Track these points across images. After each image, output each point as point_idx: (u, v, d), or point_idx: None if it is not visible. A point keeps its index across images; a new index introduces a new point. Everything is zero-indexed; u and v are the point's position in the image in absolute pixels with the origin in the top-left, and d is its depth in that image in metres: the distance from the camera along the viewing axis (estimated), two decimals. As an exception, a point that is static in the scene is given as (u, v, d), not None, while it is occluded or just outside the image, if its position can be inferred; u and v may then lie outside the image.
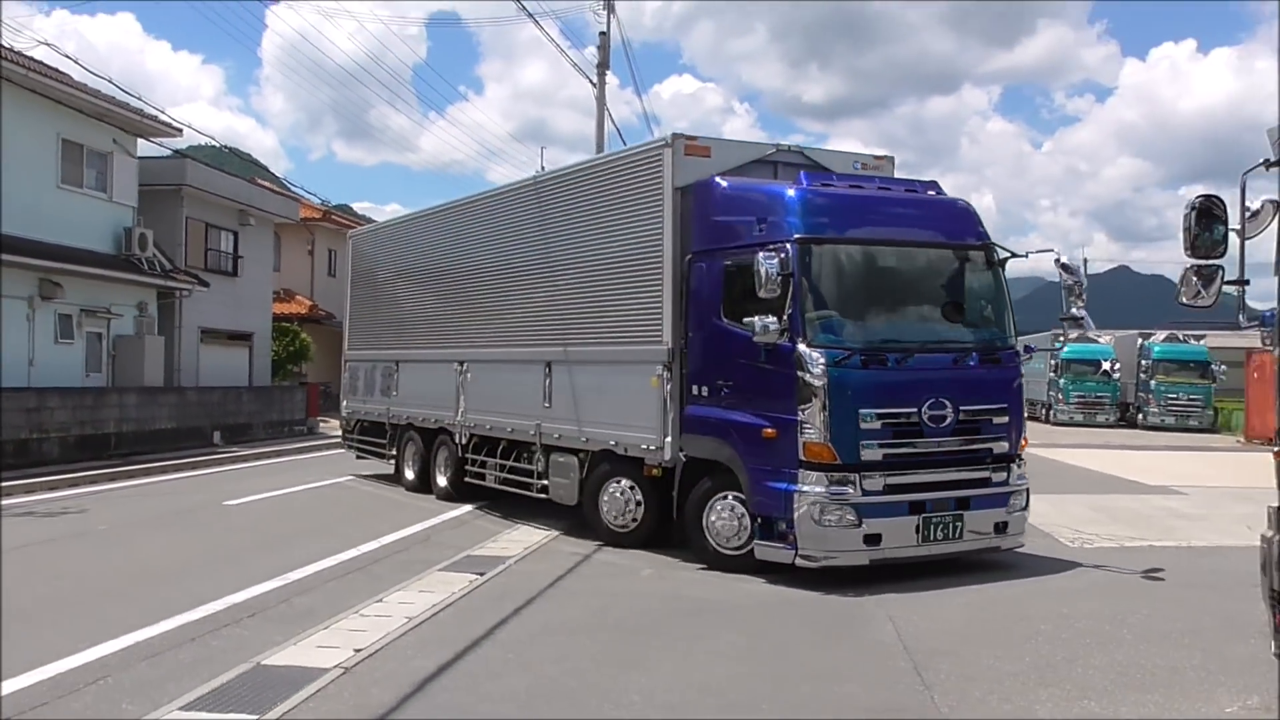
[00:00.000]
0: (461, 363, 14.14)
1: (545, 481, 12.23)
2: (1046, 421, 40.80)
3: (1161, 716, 5.75)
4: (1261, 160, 5.58)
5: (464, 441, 14.08)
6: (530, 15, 67.01)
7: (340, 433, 19.06)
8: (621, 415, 10.85)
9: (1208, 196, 5.73)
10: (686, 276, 10.23)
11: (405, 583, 9.07)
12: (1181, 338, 41.77)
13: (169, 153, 26.60)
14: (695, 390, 10.13)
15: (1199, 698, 6.04)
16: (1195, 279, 5.78)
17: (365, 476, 17.84)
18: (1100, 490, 17.09)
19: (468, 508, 14.08)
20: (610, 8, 30.25)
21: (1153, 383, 40.27)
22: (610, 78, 34.07)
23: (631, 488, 10.91)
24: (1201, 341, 41.99)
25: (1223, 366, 40.04)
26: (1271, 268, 5.46)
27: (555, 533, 11.98)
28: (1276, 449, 5.13)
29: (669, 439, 10.25)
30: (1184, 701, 5.99)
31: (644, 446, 10.48)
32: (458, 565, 9.94)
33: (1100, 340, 43.66)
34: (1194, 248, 5.73)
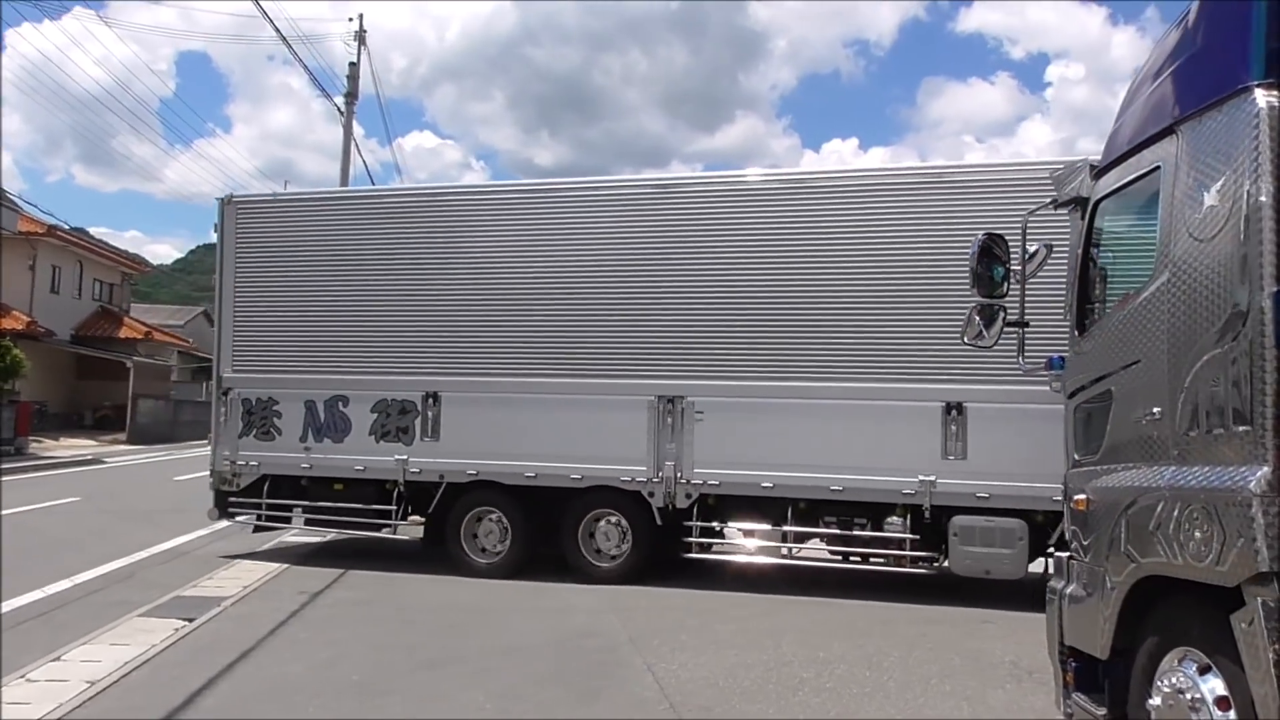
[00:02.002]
0: (672, 399, 10.65)
1: (917, 553, 10.03)
2: None
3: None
4: (1050, 200, 5.57)
5: (683, 504, 10.67)
6: (279, 31, 64.25)
7: (212, 489, 12.60)
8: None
9: (989, 235, 5.66)
10: None
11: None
12: None
13: None
14: None
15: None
16: (978, 318, 5.70)
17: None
18: None
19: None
20: (361, 39, 31.68)
21: None
22: (356, 127, 33.59)
23: None
24: None
25: None
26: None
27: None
28: (1077, 498, 5.01)
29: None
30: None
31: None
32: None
33: None
34: (977, 286, 5.64)
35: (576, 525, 11.04)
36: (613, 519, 10.99)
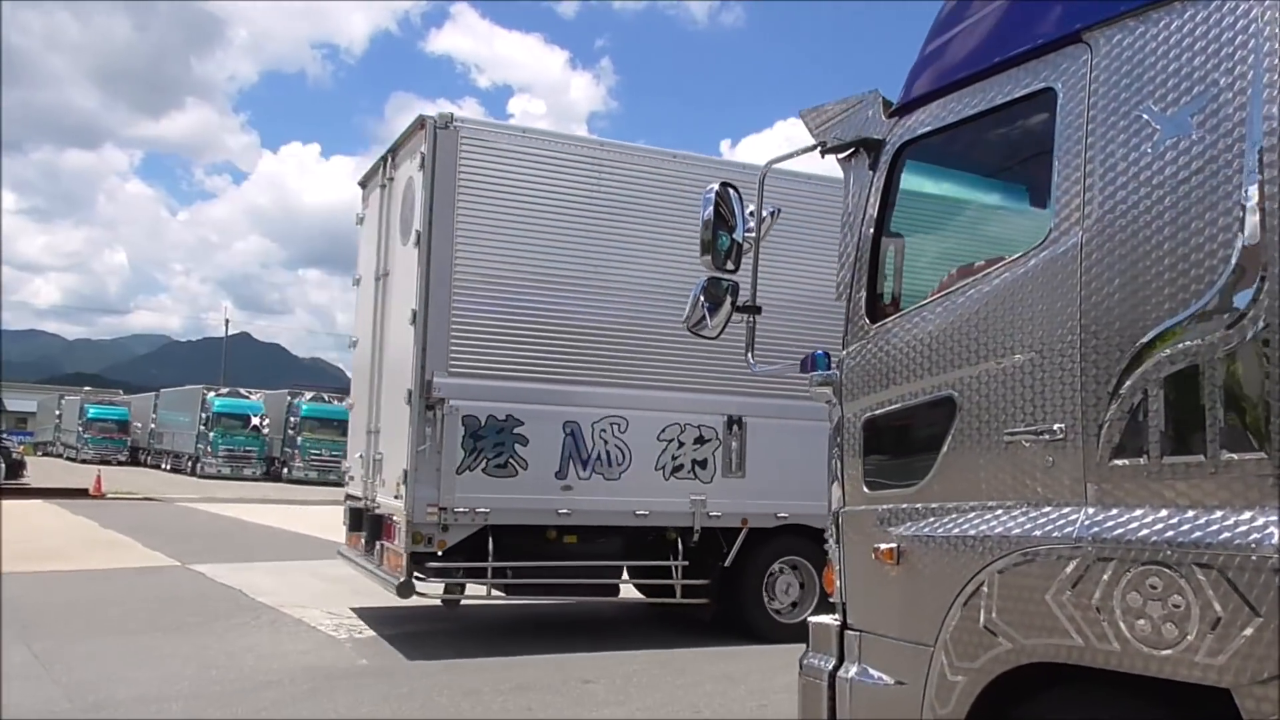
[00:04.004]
0: None
1: None
2: (194, 474, 42.96)
3: None
4: (813, 145, 4.23)
5: None
6: None
7: (405, 552, 8.84)
8: None
9: (725, 185, 4.22)
10: None
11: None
12: (327, 399, 44.73)
13: None
14: None
15: None
16: (703, 298, 4.23)
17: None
18: (306, 554, 15.35)
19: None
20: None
21: (299, 439, 42.60)
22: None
23: None
24: (343, 403, 45.84)
25: None
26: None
27: None
28: (882, 548, 3.65)
29: None
30: None
31: None
32: None
33: (250, 396, 47.41)
34: (706, 255, 4.20)
35: None
36: None
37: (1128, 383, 2.88)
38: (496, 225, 9.05)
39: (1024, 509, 3.15)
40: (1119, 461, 2.90)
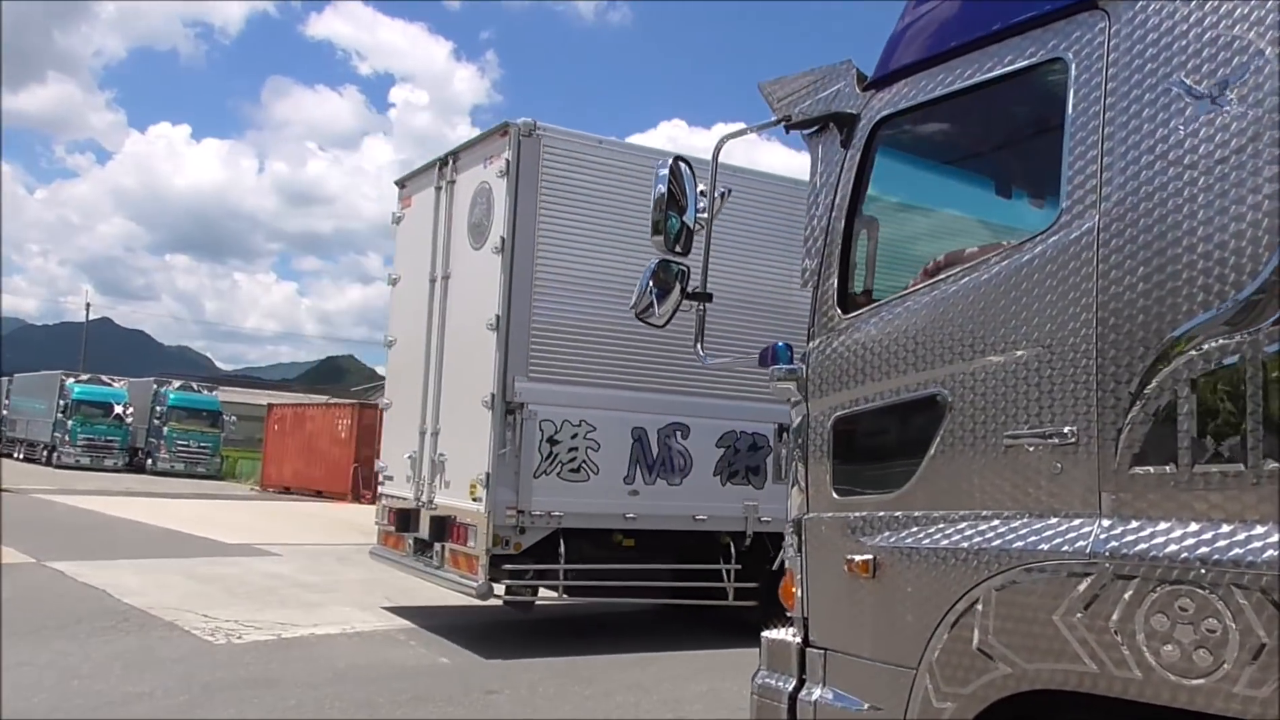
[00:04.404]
0: None
1: None
2: (50, 464, 40.29)
3: None
4: (776, 120, 3.89)
5: None
6: None
7: (485, 554, 8.87)
8: None
9: (679, 159, 3.87)
10: None
11: None
12: (196, 388, 44.19)
13: None
14: None
15: None
16: (651, 284, 3.88)
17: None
18: (177, 551, 14.77)
19: None
20: None
21: (165, 429, 40.72)
22: None
23: None
24: (213, 393, 45.04)
25: (234, 418, 43.41)
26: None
27: None
28: (855, 560, 3.32)
29: None
30: None
31: None
32: None
33: (114, 384, 44.78)
34: (657, 234, 3.86)
35: None
36: None
37: (1154, 382, 2.61)
38: (575, 233, 9.18)
39: (1026, 520, 2.87)
40: (1141, 469, 2.63)
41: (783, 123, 3.82)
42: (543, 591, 9.54)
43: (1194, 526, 2.51)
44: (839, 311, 3.52)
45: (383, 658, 8.59)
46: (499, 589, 9.07)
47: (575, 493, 9.01)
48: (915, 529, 3.16)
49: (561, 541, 8.99)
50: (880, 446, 3.54)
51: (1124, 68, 2.79)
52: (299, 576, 13.05)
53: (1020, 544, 2.85)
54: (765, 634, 3.80)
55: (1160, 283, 2.62)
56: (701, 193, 3.92)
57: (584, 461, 9.10)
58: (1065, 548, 2.74)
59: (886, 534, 3.24)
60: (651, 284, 3.91)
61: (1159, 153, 2.68)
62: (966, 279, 3.12)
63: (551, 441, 8.95)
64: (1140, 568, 2.56)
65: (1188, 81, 2.65)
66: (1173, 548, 2.52)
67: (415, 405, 10.27)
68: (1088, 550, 2.68)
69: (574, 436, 9.05)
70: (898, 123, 3.48)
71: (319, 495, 31.27)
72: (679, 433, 9.49)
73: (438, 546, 9.58)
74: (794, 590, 3.65)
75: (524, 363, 8.89)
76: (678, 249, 3.87)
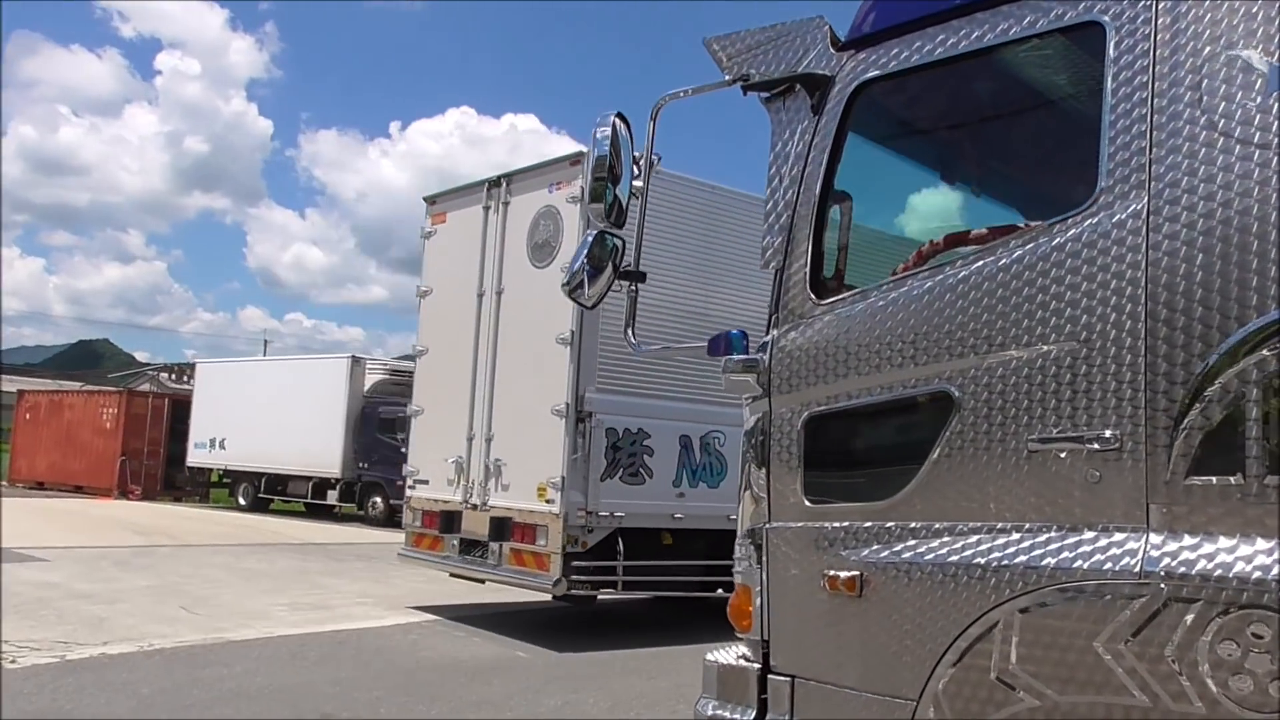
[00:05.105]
0: None
1: None
2: None
3: None
4: (730, 79, 3.48)
5: None
6: None
7: (559, 554, 9.45)
8: None
9: (619, 118, 3.44)
10: None
11: None
12: None
13: None
14: None
15: None
16: (585, 261, 3.44)
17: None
18: None
19: None
20: None
21: None
22: None
23: None
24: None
25: None
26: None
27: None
28: (838, 576, 2.94)
29: None
30: None
31: None
32: None
33: None
34: (596, 202, 3.43)
35: None
36: None
37: (1216, 382, 2.35)
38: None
39: (1054, 533, 2.57)
40: (1199, 479, 2.37)
41: (738, 82, 3.41)
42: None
43: (1263, 544, 2.27)
44: (813, 297, 3.15)
45: (192, 678, 7.63)
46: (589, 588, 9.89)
47: (633, 495, 9.84)
48: (913, 542, 2.82)
49: (619, 540, 9.67)
50: (866, 449, 3.19)
51: (1179, 34, 2.53)
52: (74, 585, 11.61)
53: (1051, 561, 2.55)
54: (709, 657, 3.37)
55: (1224, 272, 2.37)
56: (637, 159, 3.47)
57: (641, 466, 9.93)
58: (1109, 565, 2.45)
59: (876, 547, 2.89)
60: (585, 260, 3.44)
61: (1226, 130, 2.43)
62: (979, 263, 2.80)
63: (615, 448, 9.73)
64: (1204, 589, 2.30)
65: (1260, 52, 2.41)
66: (1242, 566, 2.27)
67: (459, 412, 10.77)
68: (1138, 569, 2.41)
69: (633, 443, 9.86)
70: (884, 88, 3.14)
71: (79, 491, 28.64)
72: (717, 440, 10.29)
73: (495, 546, 10.04)
74: (749, 609, 3.25)
75: (593, 375, 9.58)
76: (613, 220, 3.41)
